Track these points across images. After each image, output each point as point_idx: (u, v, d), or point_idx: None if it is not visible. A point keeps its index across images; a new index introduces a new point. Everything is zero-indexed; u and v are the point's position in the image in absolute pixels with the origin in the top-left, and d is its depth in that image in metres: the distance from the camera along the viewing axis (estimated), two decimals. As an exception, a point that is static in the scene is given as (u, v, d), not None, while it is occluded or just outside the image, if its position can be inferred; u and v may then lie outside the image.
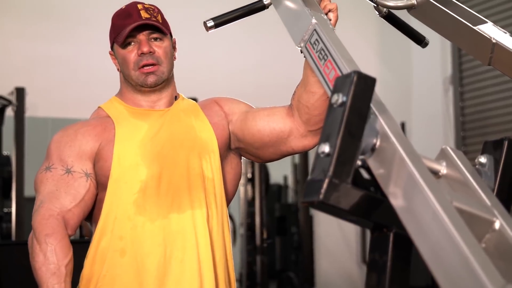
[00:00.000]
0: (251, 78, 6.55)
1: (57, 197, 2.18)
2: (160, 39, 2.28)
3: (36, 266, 2.11)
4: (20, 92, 5.41)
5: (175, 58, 2.36)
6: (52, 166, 2.23)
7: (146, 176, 2.20)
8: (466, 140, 6.77)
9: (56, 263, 2.11)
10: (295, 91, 2.24)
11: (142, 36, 2.26)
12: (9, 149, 5.45)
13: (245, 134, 2.32)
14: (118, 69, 2.34)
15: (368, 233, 1.14)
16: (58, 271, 2.10)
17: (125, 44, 2.27)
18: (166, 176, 2.22)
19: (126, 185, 2.20)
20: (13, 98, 5.39)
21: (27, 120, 5.43)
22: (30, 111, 5.53)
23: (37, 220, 2.15)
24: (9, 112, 5.43)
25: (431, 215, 1.01)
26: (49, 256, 2.11)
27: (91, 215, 2.27)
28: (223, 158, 2.32)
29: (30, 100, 5.48)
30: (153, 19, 2.26)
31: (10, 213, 5.24)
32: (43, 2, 6.05)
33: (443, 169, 1.22)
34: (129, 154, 2.22)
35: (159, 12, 2.32)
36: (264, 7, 1.97)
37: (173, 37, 2.37)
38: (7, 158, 5.44)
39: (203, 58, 6.03)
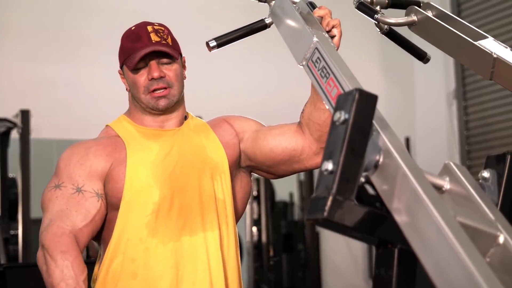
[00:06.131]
0: (255, 96, 6.57)
1: (67, 215, 2.16)
2: (170, 62, 2.27)
3: (54, 283, 2.08)
4: (25, 115, 5.42)
5: (185, 77, 2.35)
6: (62, 184, 2.21)
7: (159, 198, 2.20)
8: (471, 154, 6.77)
9: (74, 277, 2.08)
10: (303, 109, 2.25)
11: (152, 61, 2.25)
12: (14, 171, 5.46)
13: (256, 154, 2.32)
14: (127, 89, 2.33)
15: (374, 249, 1.13)
16: (77, 285, 2.08)
17: (135, 69, 2.27)
18: (178, 198, 2.22)
19: (139, 207, 2.19)
20: (18, 121, 5.40)
21: (32, 142, 5.44)
22: (35, 133, 5.55)
23: (48, 237, 2.12)
24: (14, 134, 5.44)
25: (435, 231, 1.01)
26: (67, 272, 2.08)
27: (99, 235, 2.25)
28: (232, 177, 2.32)
29: (35, 122, 5.50)
30: (163, 42, 2.25)
31: (16, 235, 5.24)
32: (47, 24, 6.08)
33: (446, 184, 1.23)
34: (141, 176, 2.21)
35: (169, 33, 2.30)
36: (266, 26, 1.99)
37: (183, 55, 2.36)
38: (13, 180, 5.45)
39: (207, 76, 6.05)
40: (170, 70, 2.26)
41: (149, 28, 2.28)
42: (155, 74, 2.23)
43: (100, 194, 2.21)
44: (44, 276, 2.13)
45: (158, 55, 2.25)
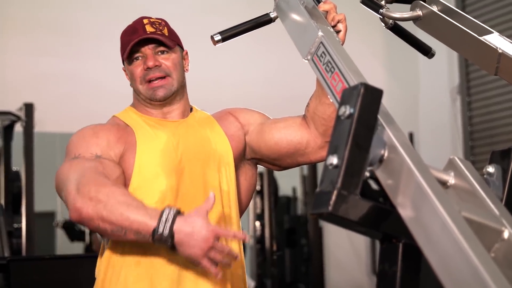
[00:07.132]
0: (257, 90, 6.57)
1: (95, 170, 2.08)
2: (167, 52, 2.28)
3: (119, 211, 1.94)
4: (28, 108, 5.43)
5: (187, 70, 2.35)
6: (79, 155, 2.15)
7: (165, 187, 2.19)
8: (474, 149, 6.76)
9: (138, 200, 1.98)
10: (308, 103, 2.25)
11: (148, 50, 2.26)
12: (18, 165, 5.47)
13: (261, 147, 2.32)
14: (130, 85, 2.34)
15: (377, 244, 1.14)
16: (143, 204, 1.98)
17: (131, 60, 2.27)
18: (183, 189, 2.21)
19: (145, 195, 2.15)
20: (22, 114, 5.41)
21: (35, 135, 5.45)
22: (39, 126, 5.55)
23: (90, 183, 1.99)
24: (18, 127, 5.45)
25: (440, 225, 1.01)
26: (128, 193, 2.00)
27: None
28: (237, 169, 2.32)
29: (38, 116, 5.50)
30: (158, 32, 2.26)
31: (20, 229, 5.25)
32: (51, 17, 6.08)
33: (451, 179, 1.23)
34: (150, 164, 2.20)
35: (166, 25, 2.31)
36: (271, 20, 1.99)
37: (185, 49, 2.36)
38: (17, 174, 5.46)
39: (210, 70, 6.05)
40: (167, 60, 2.27)
41: (145, 21, 2.30)
42: (150, 63, 2.24)
43: (119, 165, 2.18)
44: (103, 216, 1.96)
45: (153, 44, 2.26)
